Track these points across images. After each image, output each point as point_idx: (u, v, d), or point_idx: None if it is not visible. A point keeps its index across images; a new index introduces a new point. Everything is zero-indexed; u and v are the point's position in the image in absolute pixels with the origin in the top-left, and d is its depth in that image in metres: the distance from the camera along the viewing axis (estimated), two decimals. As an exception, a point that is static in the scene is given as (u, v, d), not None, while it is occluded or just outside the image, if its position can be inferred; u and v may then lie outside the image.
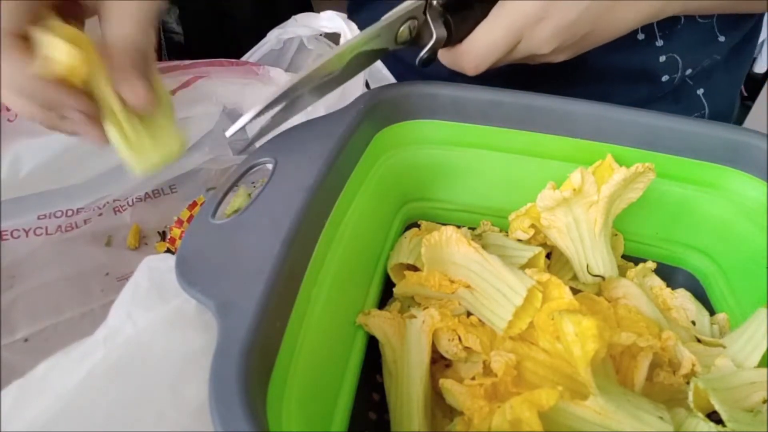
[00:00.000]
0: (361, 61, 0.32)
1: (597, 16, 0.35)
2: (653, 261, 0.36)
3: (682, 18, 0.46)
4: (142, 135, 0.29)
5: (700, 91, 0.52)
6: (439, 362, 0.31)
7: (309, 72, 0.29)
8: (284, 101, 0.29)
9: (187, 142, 0.31)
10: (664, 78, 0.49)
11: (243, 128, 0.29)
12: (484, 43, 0.34)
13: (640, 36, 0.46)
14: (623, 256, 0.37)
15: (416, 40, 0.34)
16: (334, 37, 0.46)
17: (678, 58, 0.48)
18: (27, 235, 0.42)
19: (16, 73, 0.27)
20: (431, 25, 0.33)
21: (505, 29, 0.34)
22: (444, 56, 0.36)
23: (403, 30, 0.32)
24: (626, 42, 0.45)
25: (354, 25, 0.43)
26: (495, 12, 0.34)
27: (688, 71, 0.49)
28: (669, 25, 0.46)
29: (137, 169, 0.29)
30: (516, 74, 0.43)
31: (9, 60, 0.26)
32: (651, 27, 0.46)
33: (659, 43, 0.47)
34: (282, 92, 0.29)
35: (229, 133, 0.29)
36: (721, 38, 0.48)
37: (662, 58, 0.47)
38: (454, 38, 0.34)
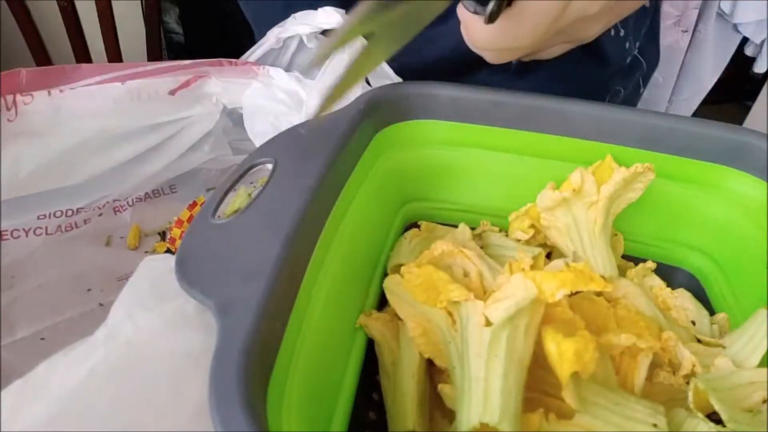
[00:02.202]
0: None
1: None
2: (653, 261, 0.36)
3: None
4: None
5: (636, 51, 0.57)
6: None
7: None
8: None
9: None
10: (629, 59, 0.54)
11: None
12: (538, 3, 0.30)
13: (620, 32, 0.51)
14: (623, 256, 0.37)
15: None
16: (333, 35, 0.46)
17: (631, 38, 0.54)
18: (27, 235, 0.42)
19: None
20: None
21: None
22: (490, 29, 0.31)
23: None
24: (607, 43, 0.49)
25: None
26: None
27: (636, 44, 0.55)
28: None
29: None
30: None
31: None
32: (625, 22, 0.51)
33: (621, 32, 0.52)
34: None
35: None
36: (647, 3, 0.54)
37: (627, 45, 0.53)
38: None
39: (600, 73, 0.54)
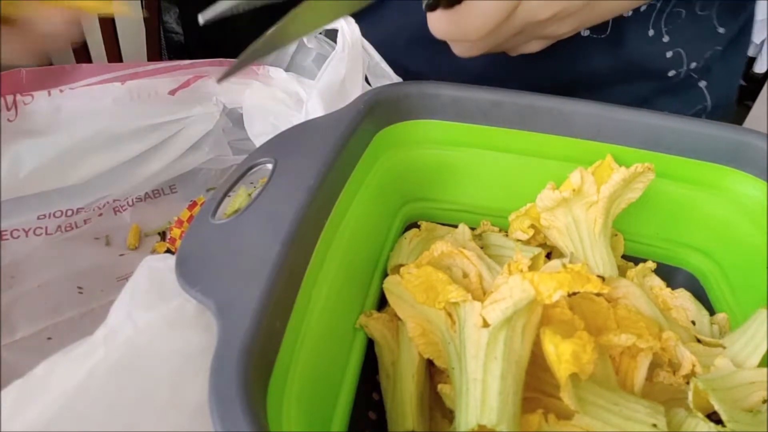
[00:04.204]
0: None
1: None
2: (653, 261, 0.36)
3: (684, 12, 0.46)
4: None
5: (703, 84, 0.52)
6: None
7: None
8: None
9: None
10: (671, 73, 0.49)
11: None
12: (485, 2, 0.32)
13: (651, 32, 0.46)
14: (623, 256, 0.37)
15: None
16: (333, 35, 0.46)
17: (682, 52, 0.48)
18: (27, 235, 0.42)
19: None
20: None
21: None
22: (442, 21, 0.34)
23: None
24: (634, 39, 0.44)
25: (351, 20, 0.43)
26: None
27: (693, 65, 0.49)
28: (672, 20, 0.46)
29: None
30: (523, 70, 0.43)
31: None
32: (659, 23, 0.46)
33: (665, 39, 0.47)
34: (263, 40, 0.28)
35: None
36: (721, 30, 0.49)
37: (669, 54, 0.48)
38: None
39: (623, 71, 0.49)
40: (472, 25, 0.33)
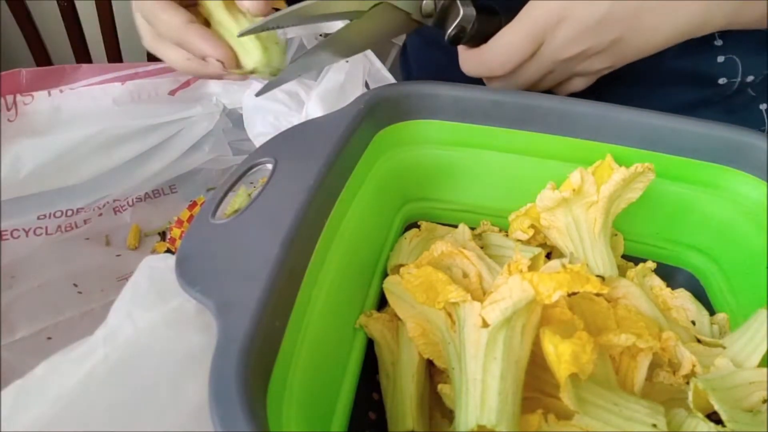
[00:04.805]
0: (385, 21, 0.33)
1: (622, 19, 0.34)
2: (653, 261, 0.36)
3: None
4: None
5: (763, 107, 0.48)
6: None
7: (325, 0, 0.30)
8: (292, 23, 0.30)
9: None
10: (722, 80, 0.45)
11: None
12: (507, 39, 0.35)
13: (718, 42, 0.44)
14: (623, 256, 0.37)
15: (441, 20, 0.35)
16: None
17: (738, 60, 0.45)
18: (27, 235, 0.42)
19: (172, 24, 0.31)
20: (459, 2, 0.34)
21: (527, 25, 0.34)
22: (468, 59, 0.37)
23: (428, 2, 0.34)
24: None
25: None
26: (520, 13, 0.35)
27: (749, 78, 0.45)
28: None
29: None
30: None
31: (167, 12, 0.31)
32: (730, 38, 0.44)
33: (718, 42, 0.44)
34: (300, 6, 0.29)
35: (239, 33, 0.30)
36: None
37: (720, 59, 0.45)
38: (476, 36, 0.36)
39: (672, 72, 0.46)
40: (495, 62, 0.35)
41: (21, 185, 0.40)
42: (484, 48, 0.36)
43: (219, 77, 0.34)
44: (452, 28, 0.35)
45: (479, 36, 0.36)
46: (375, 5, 0.32)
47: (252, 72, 0.32)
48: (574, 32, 0.34)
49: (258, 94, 0.34)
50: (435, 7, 0.34)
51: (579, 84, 0.39)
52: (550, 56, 0.36)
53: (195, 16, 0.33)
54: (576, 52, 0.35)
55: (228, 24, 0.32)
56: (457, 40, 0.36)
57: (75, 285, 0.40)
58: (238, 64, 0.32)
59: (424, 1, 0.34)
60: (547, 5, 0.34)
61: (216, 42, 0.31)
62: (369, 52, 0.43)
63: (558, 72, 0.37)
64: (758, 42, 0.44)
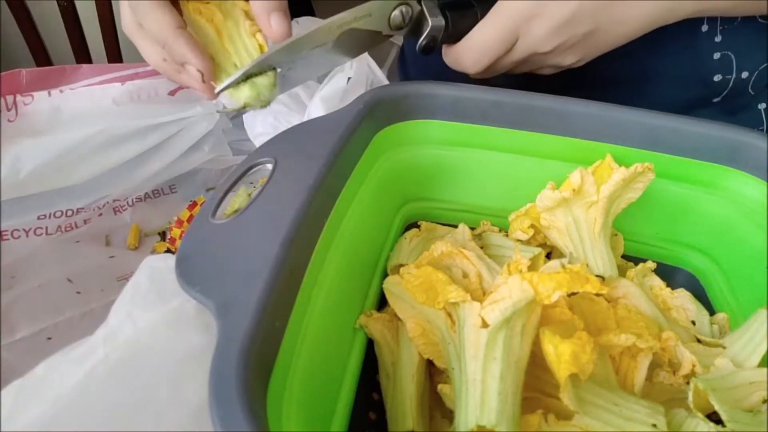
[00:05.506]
0: (354, 41, 0.33)
1: (594, 13, 0.35)
2: (653, 261, 0.36)
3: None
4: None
5: (762, 106, 0.48)
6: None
7: (296, 39, 0.31)
8: (271, 65, 0.31)
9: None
10: (717, 78, 0.45)
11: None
12: (480, 39, 0.36)
13: (705, 27, 0.43)
14: (623, 256, 0.37)
15: (415, 29, 0.36)
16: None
17: (732, 56, 0.44)
18: (27, 235, 0.42)
19: (162, 24, 0.31)
20: (426, 13, 0.35)
21: (500, 24, 0.35)
22: (446, 54, 0.38)
23: (396, 15, 0.34)
24: (683, 35, 0.42)
25: None
26: (492, 10, 0.35)
27: (744, 74, 0.45)
28: (730, 20, 0.43)
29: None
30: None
31: (161, 10, 0.31)
32: (714, 20, 0.43)
33: (718, 38, 0.44)
34: (268, 55, 0.30)
35: (217, 89, 0.31)
36: None
37: (716, 56, 0.44)
38: (453, 34, 0.36)
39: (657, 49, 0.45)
40: (469, 60, 0.37)
41: (21, 185, 0.40)
42: (459, 47, 0.37)
43: (187, 86, 0.33)
44: (422, 38, 0.36)
45: (456, 34, 0.36)
46: (341, 33, 0.32)
47: (244, 107, 0.32)
48: (548, 28, 0.35)
49: (218, 92, 0.33)
50: (404, 20, 0.35)
51: (546, 72, 0.40)
52: (526, 51, 0.36)
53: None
54: (552, 47, 0.36)
55: (229, 47, 0.32)
56: (429, 49, 0.37)
57: (75, 285, 0.40)
58: (214, 80, 0.32)
59: (392, 15, 0.34)
60: (518, 4, 0.34)
61: (200, 54, 0.31)
62: (372, 63, 0.43)
63: (530, 62, 0.38)
64: (752, 39, 0.44)
